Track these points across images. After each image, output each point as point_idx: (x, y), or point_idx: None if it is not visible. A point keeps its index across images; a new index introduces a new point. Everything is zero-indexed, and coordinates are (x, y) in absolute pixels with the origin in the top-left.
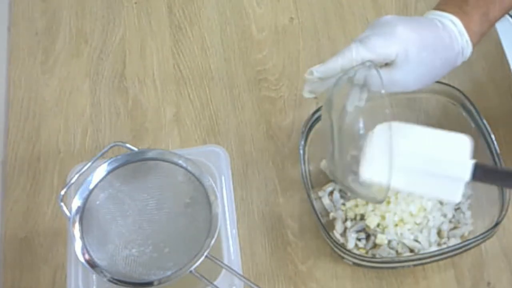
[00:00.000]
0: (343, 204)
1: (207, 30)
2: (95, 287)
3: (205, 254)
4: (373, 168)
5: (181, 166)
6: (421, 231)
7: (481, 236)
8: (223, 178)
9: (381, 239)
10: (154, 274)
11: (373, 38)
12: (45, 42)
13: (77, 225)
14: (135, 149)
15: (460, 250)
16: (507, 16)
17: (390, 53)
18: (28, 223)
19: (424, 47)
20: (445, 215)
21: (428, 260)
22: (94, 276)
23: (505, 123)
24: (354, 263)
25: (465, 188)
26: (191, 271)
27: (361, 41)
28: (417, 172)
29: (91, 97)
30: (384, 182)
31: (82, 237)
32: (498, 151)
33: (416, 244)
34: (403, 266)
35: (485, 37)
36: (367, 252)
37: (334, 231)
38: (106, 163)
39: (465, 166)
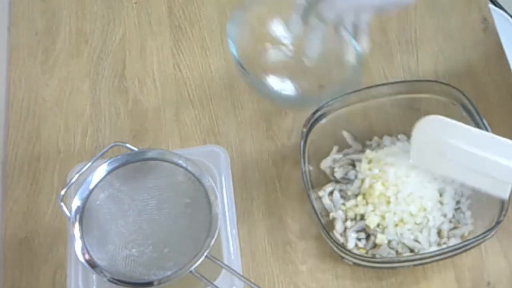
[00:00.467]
0: (343, 204)
1: (207, 30)
2: (95, 287)
3: (205, 254)
4: (423, 157)
5: (181, 166)
6: (421, 231)
7: (481, 236)
8: (223, 178)
9: (381, 239)
10: (154, 274)
11: None
12: (45, 42)
13: (77, 225)
14: (135, 149)
15: (460, 250)
16: (507, 16)
17: None
18: (28, 223)
19: None
20: (445, 215)
21: (428, 260)
22: (94, 276)
23: (505, 123)
24: (354, 263)
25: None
26: (191, 271)
27: None
28: (468, 167)
29: (91, 97)
30: (432, 169)
31: (82, 237)
32: None
33: (416, 244)
34: (403, 266)
35: (485, 37)
36: (367, 252)
37: (334, 231)
38: (106, 163)
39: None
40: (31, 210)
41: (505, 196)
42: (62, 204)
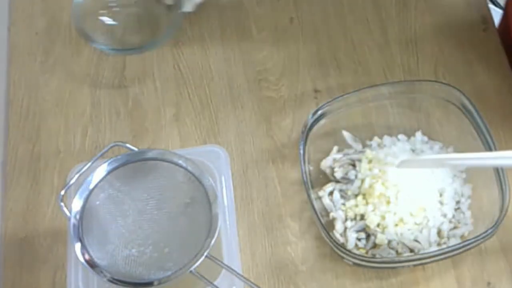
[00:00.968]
0: (343, 204)
1: (207, 30)
2: (95, 287)
3: (205, 254)
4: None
5: (181, 166)
6: (421, 231)
7: (481, 236)
8: (223, 178)
9: (381, 239)
10: (154, 274)
11: None
12: (45, 42)
13: (77, 225)
14: (135, 149)
15: (460, 250)
16: None
17: None
18: (28, 223)
19: None
20: (445, 215)
21: (428, 260)
22: (94, 276)
23: (505, 123)
24: (354, 263)
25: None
26: (191, 271)
27: None
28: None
29: (91, 97)
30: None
31: (82, 237)
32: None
33: (416, 244)
34: (403, 266)
35: (485, 37)
36: (367, 252)
37: (334, 231)
38: (106, 163)
39: None
40: (31, 210)
41: None
42: (62, 204)
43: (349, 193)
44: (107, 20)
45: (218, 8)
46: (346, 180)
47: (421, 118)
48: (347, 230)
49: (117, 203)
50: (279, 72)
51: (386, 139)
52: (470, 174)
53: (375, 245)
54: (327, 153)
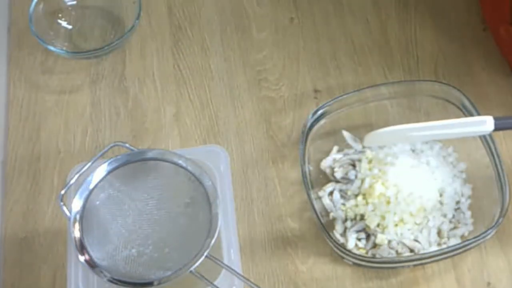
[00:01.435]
0: (343, 204)
1: (207, 30)
2: (95, 287)
3: (205, 254)
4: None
5: (181, 166)
6: (421, 231)
7: (481, 236)
8: (223, 178)
9: (381, 239)
10: (154, 274)
11: None
12: None
13: (77, 225)
14: (135, 149)
15: (460, 250)
16: None
17: None
18: (28, 223)
19: None
20: (445, 215)
21: (428, 260)
22: (94, 276)
23: None
24: (354, 263)
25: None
26: (191, 271)
27: None
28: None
29: (91, 97)
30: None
31: (82, 237)
32: (498, 151)
33: (416, 244)
34: (403, 266)
35: (485, 37)
36: (367, 252)
37: (334, 231)
38: (106, 163)
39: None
40: (31, 210)
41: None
42: (62, 204)
43: (349, 193)
44: (64, 24)
45: (218, 8)
46: (346, 180)
47: (421, 118)
48: (347, 230)
49: (117, 203)
50: (279, 72)
51: None
52: (470, 174)
53: (375, 245)
54: (327, 153)
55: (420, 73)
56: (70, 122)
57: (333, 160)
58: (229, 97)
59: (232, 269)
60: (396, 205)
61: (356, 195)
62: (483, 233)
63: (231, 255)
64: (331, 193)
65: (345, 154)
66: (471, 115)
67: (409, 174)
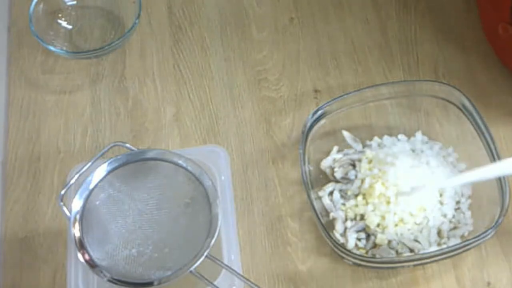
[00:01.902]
0: (343, 204)
1: (207, 30)
2: (95, 287)
3: (205, 254)
4: None
5: (181, 166)
6: (421, 231)
7: (481, 236)
8: (223, 178)
9: (381, 239)
10: (154, 274)
11: None
12: None
13: (77, 225)
14: (135, 149)
15: (460, 250)
16: None
17: None
18: (28, 223)
19: None
20: (445, 215)
21: (428, 260)
22: (94, 276)
23: (505, 123)
24: (354, 263)
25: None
26: (191, 271)
27: None
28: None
29: (91, 97)
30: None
31: (82, 237)
32: (498, 151)
33: (416, 244)
34: (403, 266)
35: (485, 37)
36: (367, 252)
37: (334, 231)
38: (106, 163)
39: None
40: (31, 210)
41: None
42: (62, 204)
43: (349, 193)
44: (64, 24)
45: (218, 8)
46: (346, 180)
47: (421, 118)
48: (347, 230)
49: (117, 203)
50: (279, 72)
51: (386, 139)
52: None
53: (375, 245)
54: (327, 153)
55: (420, 73)
56: (70, 122)
57: (333, 160)
58: (229, 97)
59: (232, 269)
60: (396, 205)
61: (356, 195)
62: (483, 233)
63: (231, 255)
64: (331, 193)
65: (345, 154)
66: (471, 115)
67: (409, 174)
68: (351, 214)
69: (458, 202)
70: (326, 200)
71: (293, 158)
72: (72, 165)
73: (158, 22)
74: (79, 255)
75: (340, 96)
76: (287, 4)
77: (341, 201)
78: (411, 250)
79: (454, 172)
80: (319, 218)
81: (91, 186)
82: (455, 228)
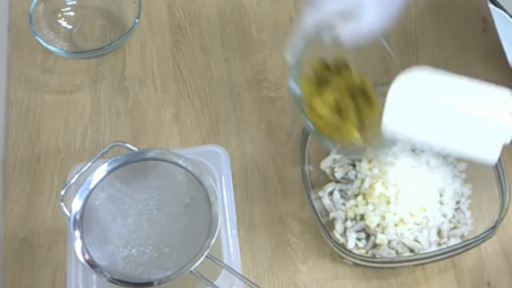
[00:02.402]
0: (343, 204)
1: (207, 30)
2: (95, 287)
3: (205, 254)
4: (397, 119)
5: (181, 166)
6: (421, 231)
7: (481, 236)
8: (223, 178)
9: (381, 239)
10: (154, 274)
11: None
12: None
13: (77, 225)
14: (135, 149)
15: (460, 250)
16: (507, 16)
17: (339, 4)
18: (28, 223)
19: None
20: (445, 215)
21: (428, 260)
22: (94, 276)
23: None
24: (354, 263)
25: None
26: (191, 271)
27: (309, 2)
28: (451, 127)
29: (91, 97)
30: (408, 134)
31: (82, 237)
32: None
33: (416, 244)
34: (403, 266)
35: (485, 37)
36: (367, 252)
37: (334, 231)
38: (106, 163)
39: (506, 126)
40: (31, 210)
41: (494, 159)
42: (62, 204)
43: (349, 193)
44: (64, 24)
45: (218, 8)
46: (346, 180)
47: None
48: (347, 230)
49: (117, 203)
50: (279, 72)
51: None
52: (470, 174)
53: (375, 245)
54: (327, 153)
55: None
56: (70, 122)
57: (333, 160)
58: (229, 97)
59: (232, 269)
60: (396, 205)
61: (356, 195)
62: (483, 233)
63: (231, 255)
64: (331, 193)
65: (345, 154)
66: None
67: (409, 174)
68: (351, 214)
69: (458, 202)
70: (326, 200)
71: (293, 158)
72: (72, 165)
73: (158, 22)
74: (79, 255)
75: None
76: (287, 4)
77: (341, 201)
78: (411, 250)
79: (454, 172)
80: (319, 218)
81: (91, 186)
82: (455, 228)
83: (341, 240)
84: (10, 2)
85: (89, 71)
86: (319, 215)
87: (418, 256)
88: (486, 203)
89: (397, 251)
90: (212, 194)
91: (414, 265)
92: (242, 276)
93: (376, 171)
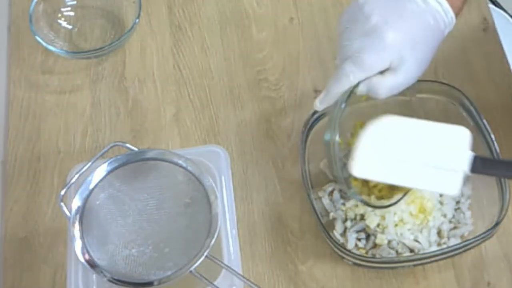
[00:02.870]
0: (343, 204)
1: (207, 30)
2: (95, 287)
3: (205, 254)
4: (363, 165)
5: (181, 166)
6: (421, 231)
7: (481, 236)
8: (223, 178)
9: (381, 239)
10: (154, 274)
11: (365, 56)
12: None
13: (77, 225)
14: (135, 149)
15: (460, 250)
16: (507, 16)
17: (385, 65)
18: (28, 223)
19: (416, 44)
20: (445, 215)
21: (428, 260)
22: (94, 276)
23: (505, 123)
24: (354, 263)
25: (464, 182)
26: (191, 271)
27: (354, 62)
28: (414, 166)
29: (91, 97)
30: (375, 179)
31: (82, 237)
32: (498, 151)
33: (416, 244)
34: (403, 266)
35: (485, 37)
36: (367, 252)
37: (334, 231)
38: (106, 163)
39: (464, 157)
40: (31, 210)
41: (456, 191)
42: (62, 204)
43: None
44: (64, 24)
45: (218, 8)
46: None
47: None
48: (347, 230)
49: (117, 203)
50: (279, 72)
51: None
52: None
53: (375, 245)
54: None
55: None
56: (70, 122)
57: None
58: (229, 97)
59: (232, 269)
60: (396, 205)
61: None
62: (483, 233)
63: (231, 255)
64: (331, 193)
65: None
66: (471, 115)
67: None
68: (351, 214)
69: (458, 202)
70: (326, 200)
71: (293, 158)
72: (72, 165)
73: (158, 22)
74: (79, 255)
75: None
76: (287, 4)
77: (341, 201)
78: (411, 250)
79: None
80: (319, 218)
81: (91, 186)
82: (455, 228)
83: (341, 240)
84: (10, 2)
85: (89, 71)
86: (319, 215)
87: (418, 256)
88: (486, 203)
89: (397, 251)
90: (212, 194)
91: (414, 265)
92: (242, 276)
93: None
